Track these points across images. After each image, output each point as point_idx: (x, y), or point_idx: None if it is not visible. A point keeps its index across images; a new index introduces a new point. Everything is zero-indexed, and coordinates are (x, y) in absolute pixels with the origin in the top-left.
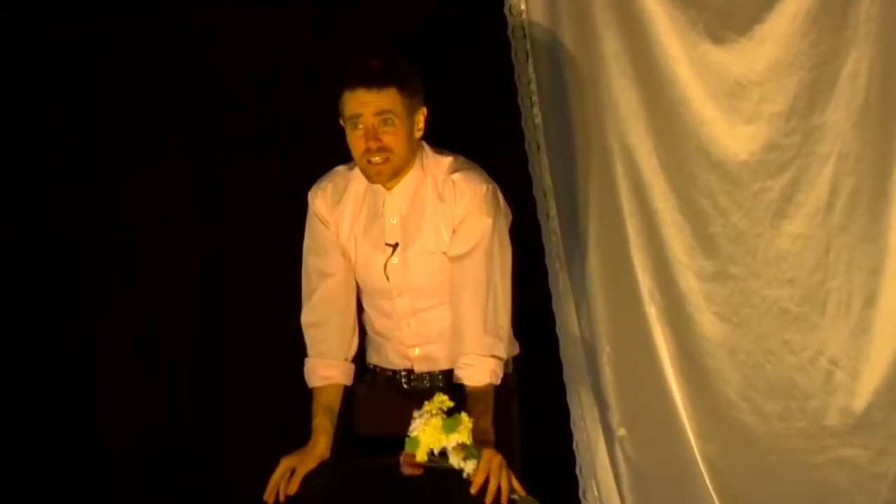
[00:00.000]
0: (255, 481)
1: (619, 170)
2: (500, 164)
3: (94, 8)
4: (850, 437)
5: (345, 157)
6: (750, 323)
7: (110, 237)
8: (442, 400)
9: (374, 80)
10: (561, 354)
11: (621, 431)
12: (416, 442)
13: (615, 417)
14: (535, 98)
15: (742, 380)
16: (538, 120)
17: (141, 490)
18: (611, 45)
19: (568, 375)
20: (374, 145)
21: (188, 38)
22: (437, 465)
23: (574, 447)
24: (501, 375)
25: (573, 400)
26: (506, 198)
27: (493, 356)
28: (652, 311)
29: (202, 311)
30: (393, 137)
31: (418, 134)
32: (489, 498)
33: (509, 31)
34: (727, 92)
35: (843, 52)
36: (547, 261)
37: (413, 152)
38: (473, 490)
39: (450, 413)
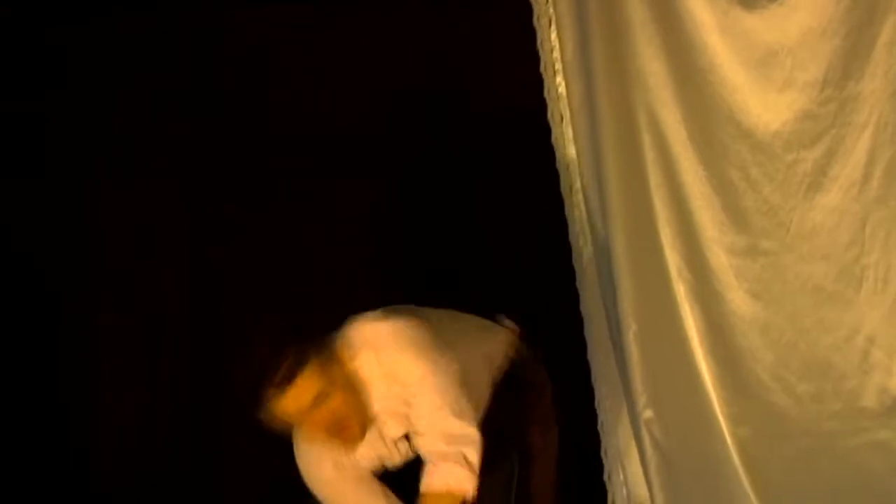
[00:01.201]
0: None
1: (646, 141)
2: (522, 137)
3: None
4: (887, 419)
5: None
6: (783, 300)
7: (108, 239)
8: None
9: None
10: (585, 333)
11: (648, 413)
12: None
13: (642, 399)
14: (557, 66)
15: (774, 359)
16: (561, 89)
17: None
18: (638, 12)
19: (593, 355)
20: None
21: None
22: None
23: (599, 429)
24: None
25: (598, 380)
26: (527, 173)
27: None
28: (680, 288)
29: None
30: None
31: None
32: None
33: None
34: (759, 60)
35: (878, 18)
36: (570, 237)
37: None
38: None
39: None
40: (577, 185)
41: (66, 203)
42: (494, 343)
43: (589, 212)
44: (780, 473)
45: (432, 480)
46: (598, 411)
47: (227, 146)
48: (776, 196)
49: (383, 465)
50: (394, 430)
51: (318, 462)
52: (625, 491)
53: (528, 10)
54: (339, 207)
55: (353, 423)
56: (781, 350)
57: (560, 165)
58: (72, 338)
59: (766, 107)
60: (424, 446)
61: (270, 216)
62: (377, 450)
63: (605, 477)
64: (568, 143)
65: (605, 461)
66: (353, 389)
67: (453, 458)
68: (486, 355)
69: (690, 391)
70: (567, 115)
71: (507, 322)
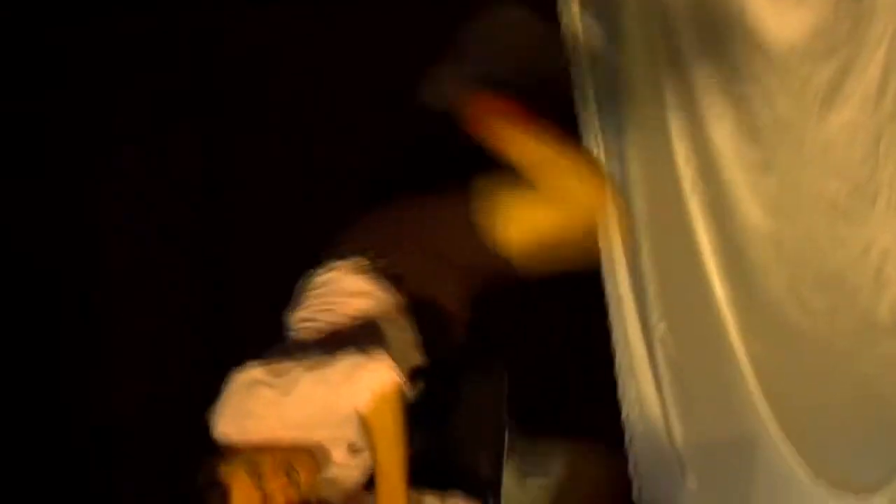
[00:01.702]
0: None
1: (661, 54)
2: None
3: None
4: None
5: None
6: (796, 216)
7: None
8: None
9: None
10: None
11: (661, 327)
12: None
13: (655, 313)
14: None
15: (788, 275)
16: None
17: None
18: None
19: (606, 268)
20: None
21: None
22: None
23: (612, 344)
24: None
25: (611, 293)
26: (540, 68)
27: None
28: (693, 203)
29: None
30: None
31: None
32: None
33: None
34: None
35: None
36: (584, 144)
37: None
38: None
39: None
40: (591, 97)
41: (65, 203)
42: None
43: (603, 125)
44: (792, 388)
45: (357, 400)
46: (610, 327)
47: (227, 146)
48: (790, 111)
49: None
50: (335, 453)
51: None
52: (638, 407)
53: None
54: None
55: (307, 477)
56: (795, 265)
57: (574, 69)
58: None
59: (780, 21)
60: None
61: (272, 217)
62: (337, 480)
63: (619, 393)
64: (580, 58)
65: (618, 377)
66: (283, 466)
67: (354, 370)
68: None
69: (704, 306)
70: (581, 24)
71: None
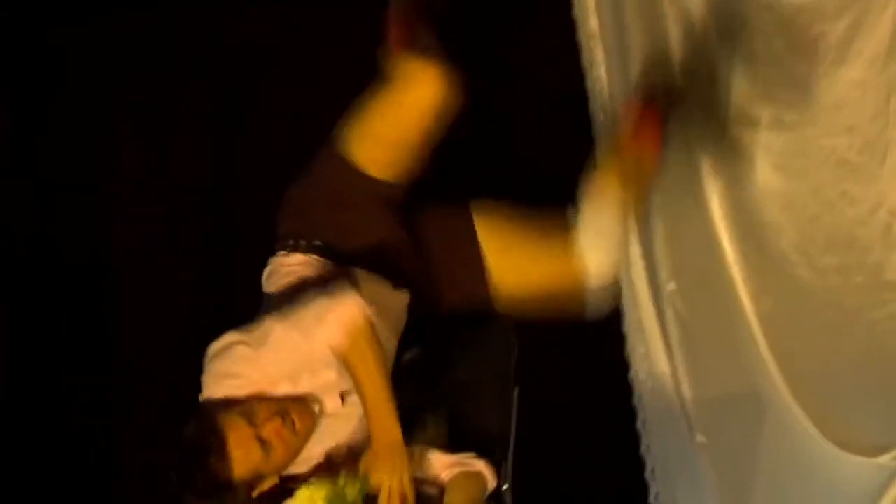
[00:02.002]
0: None
1: (670, 14)
2: (543, 13)
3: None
4: None
5: None
6: (806, 173)
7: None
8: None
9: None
10: None
11: (670, 286)
12: None
13: (664, 271)
14: None
15: (798, 233)
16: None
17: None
18: None
19: None
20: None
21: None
22: None
23: (621, 303)
24: None
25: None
26: (545, 41)
27: None
28: (703, 160)
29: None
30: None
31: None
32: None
33: None
34: None
35: None
36: (591, 110)
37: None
38: None
39: None
40: (599, 57)
41: (67, 203)
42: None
43: (610, 84)
44: (801, 346)
45: (329, 338)
46: (620, 285)
47: (228, 144)
48: (800, 69)
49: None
50: (328, 403)
51: None
52: (647, 364)
53: None
54: None
55: (301, 421)
56: (805, 223)
57: (581, 36)
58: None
59: None
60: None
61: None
62: (336, 431)
63: (628, 351)
64: (590, 14)
65: (627, 335)
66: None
67: (325, 311)
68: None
69: (713, 264)
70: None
71: None
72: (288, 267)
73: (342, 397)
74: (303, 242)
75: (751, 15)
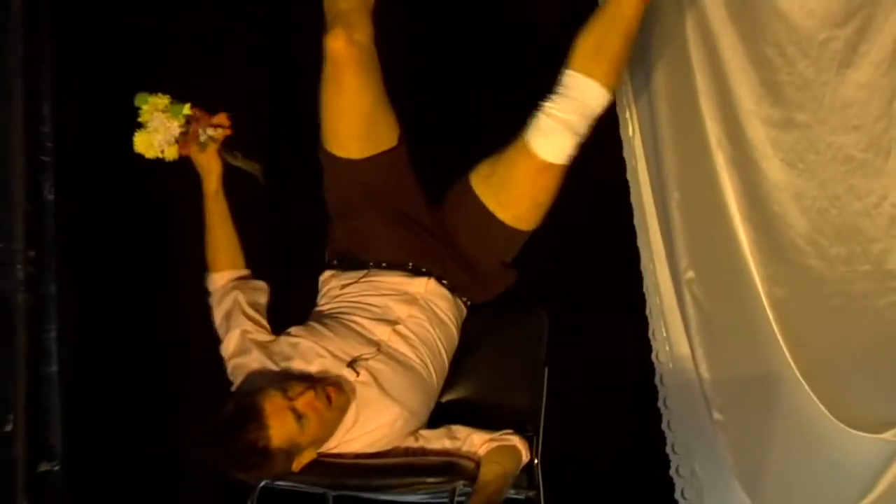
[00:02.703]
0: None
1: (689, 19)
2: (569, 16)
3: None
4: None
5: None
6: (815, 169)
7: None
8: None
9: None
10: (632, 199)
11: (689, 274)
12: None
13: (683, 261)
14: None
15: (807, 224)
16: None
17: None
18: None
19: (638, 220)
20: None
21: None
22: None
23: (644, 290)
24: None
25: (643, 244)
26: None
27: None
28: (719, 158)
29: None
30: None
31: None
32: None
33: None
34: None
35: None
36: (617, 109)
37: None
38: None
39: None
40: None
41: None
42: None
43: (634, 87)
44: (812, 331)
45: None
46: (643, 273)
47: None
48: (810, 71)
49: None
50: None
51: None
52: (668, 347)
53: None
54: None
55: (334, 392)
56: (814, 216)
57: None
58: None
59: None
60: None
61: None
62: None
63: (650, 335)
64: None
65: (649, 320)
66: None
67: None
68: None
69: (729, 254)
70: None
71: None
72: (321, 287)
73: (354, 369)
74: (330, 261)
75: (765, 21)
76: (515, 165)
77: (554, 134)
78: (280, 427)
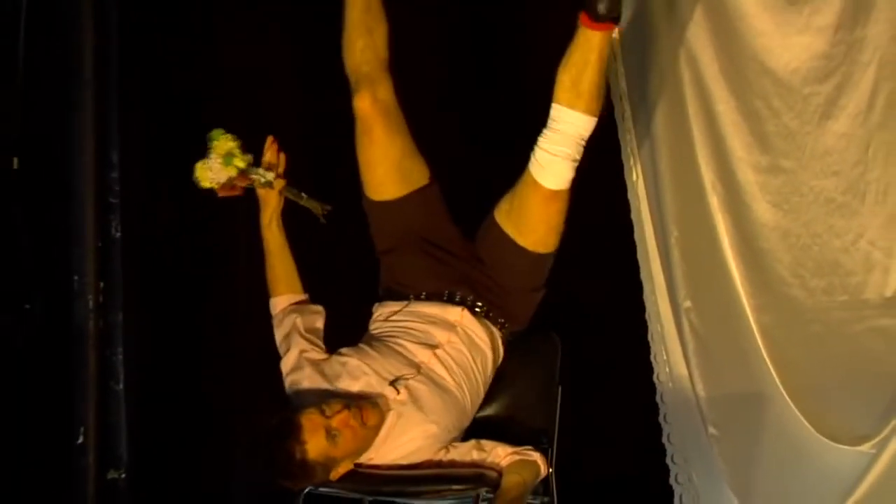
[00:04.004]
0: None
1: (686, 76)
2: None
3: None
4: (885, 309)
5: None
6: (799, 210)
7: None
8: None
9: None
10: (635, 237)
11: (687, 303)
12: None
13: (681, 291)
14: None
15: (792, 259)
16: (615, 34)
17: None
18: None
19: (641, 255)
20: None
21: None
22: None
23: (646, 317)
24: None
25: (645, 276)
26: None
27: None
28: (714, 201)
29: None
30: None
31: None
32: None
33: None
34: (781, 8)
35: None
36: (622, 157)
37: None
38: None
39: None
40: (628, 113)
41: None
42: None
43: (637, 136)
44: (796, 354)
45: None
46: (645, 302)
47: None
48: (794, 123)
49: None
50: (386, 391)
51: None
52: (668, 369)
53: None
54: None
55: (367, 410)
56: (798, 252)
57: (614, 96)
58: None
59: (786, 48)
60: None
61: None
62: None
63: (652, 357)
64: (620, 77)
65: (651, 345)
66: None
67: None
68: None
69: (722, 286)
70: (619, 53)
71: None
72: (373, 314)
73: (395, 388)
74: (380, 292)
75: (753, 78)
76: (527, 198)
77: (553, 165)
78: (315, 442)
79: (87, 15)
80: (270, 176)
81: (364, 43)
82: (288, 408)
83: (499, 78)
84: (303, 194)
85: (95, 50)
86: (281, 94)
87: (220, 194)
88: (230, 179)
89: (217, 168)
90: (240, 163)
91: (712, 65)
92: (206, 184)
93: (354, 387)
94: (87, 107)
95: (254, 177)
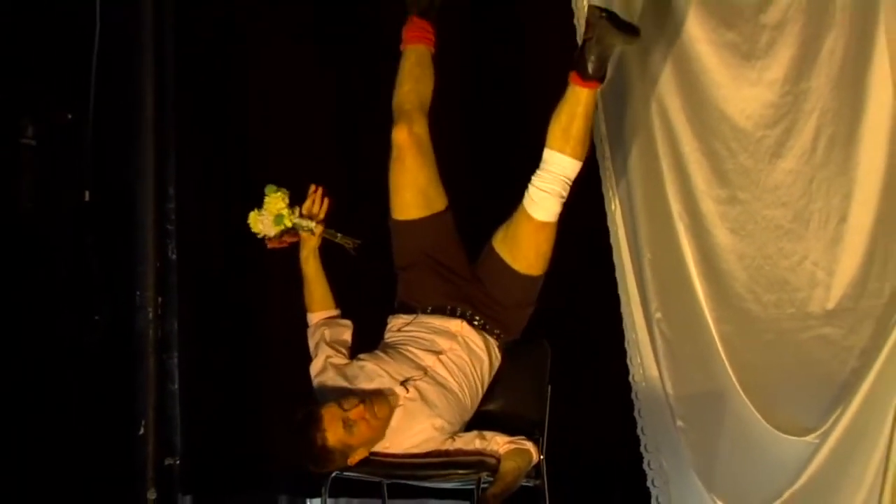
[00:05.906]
0: None
1: (656, 122)
2: None
3: None
4: (827, 320)
5: None
6: (753, 235)
7: None
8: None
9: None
10: (614, 258)
11: (658, 314)
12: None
13: (653, 304)
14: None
15: (747, 278)
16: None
17: None
18: (649, 32)
19: (619, 273)
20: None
21: None
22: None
23: (623, 326)
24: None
25: (622, 291)
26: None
27: None
28: (680, 227)
29: None
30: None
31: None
32: None
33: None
34: (737, 63)
35: (823, 32)
36: (603, 189)
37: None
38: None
39: None
40: (607, 153)
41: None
42: None
43: (615, 172)
44: (751, 358)
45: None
46: (622, 314)
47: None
48: (749, 161)
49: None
50: (397, 390)
51: None
52: (641, 370)
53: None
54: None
55: (380, 404)
56: (752, 271)
57: (596, 138)
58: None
59: (742, 98)
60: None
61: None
62: (412, 413)
63: (628, 360)
64: (601, 122)
65: (627, 350)
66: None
67: None
68: None
69: (688, 300)
70: (601, 104)
71: None
72: (388, 324)
73: (406, 387)
74: (394, 306)
75: (714, 124)
76: (520, 228)
77: (543, 201)
78: (333, 431)
79: (147, 70)
80: (312, 224)
81: (410, 87)
82: (314, 403)
83: (503, 125)
84: (337, 234)
85: (155, 99)
86: (321, 136)
87: (269, 246)
88: (278, 234)
89: (268, 223)
90: (288, 222)
91: (679, 113)
92: (257, 233)
93: (370, 386)
94: (149, 147)
95: (298, 230)
